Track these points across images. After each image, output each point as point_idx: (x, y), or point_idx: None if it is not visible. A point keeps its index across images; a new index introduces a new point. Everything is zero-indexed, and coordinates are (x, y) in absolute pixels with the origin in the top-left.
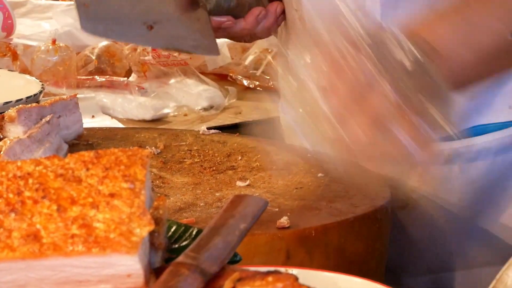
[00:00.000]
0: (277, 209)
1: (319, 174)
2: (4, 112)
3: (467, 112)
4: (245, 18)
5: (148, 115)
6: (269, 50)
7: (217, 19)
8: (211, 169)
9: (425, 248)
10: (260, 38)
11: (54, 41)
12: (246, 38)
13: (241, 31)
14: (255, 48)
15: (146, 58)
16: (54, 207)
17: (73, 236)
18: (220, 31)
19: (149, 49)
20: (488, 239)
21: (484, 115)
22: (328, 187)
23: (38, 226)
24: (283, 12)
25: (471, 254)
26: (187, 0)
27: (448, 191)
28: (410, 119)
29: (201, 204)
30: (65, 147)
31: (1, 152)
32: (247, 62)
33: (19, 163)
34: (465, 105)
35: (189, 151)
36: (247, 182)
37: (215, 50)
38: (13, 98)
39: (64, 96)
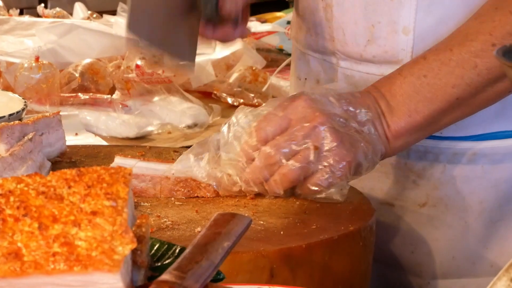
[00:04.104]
0: (261, 227)
1: None
2: None
3: (494, 115)
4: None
5: (131, 133)
6: (253, 68)
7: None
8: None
9: (440, 250)
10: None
11: (37, 58)
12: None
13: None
14: (240, 66)
15: (130, 75)
16: (36, 225)
17: (54, 254)
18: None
19: (133, 66)
20: (507, 250)
21: None
22: (312, 205)
23: (19, 244)
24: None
25: (489, 262)
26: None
27: (470, 192)
28: None
29: (185, 222)
30: (48, 164)
31: None
32: (231, 79)
33: (0, 181)
34: (492, 109)
35: None
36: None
37: (192, 61)
38: None
39: (47, 114)
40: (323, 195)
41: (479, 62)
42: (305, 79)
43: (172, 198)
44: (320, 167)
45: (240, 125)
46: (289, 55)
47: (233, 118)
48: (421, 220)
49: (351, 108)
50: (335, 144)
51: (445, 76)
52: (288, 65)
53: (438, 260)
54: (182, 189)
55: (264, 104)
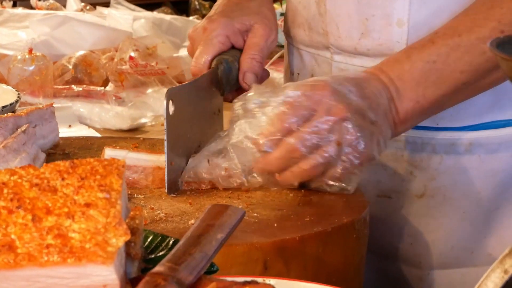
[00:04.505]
0: (254, 220)
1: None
2: None
3: (489, 105)
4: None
5: (125, 125)
6: None
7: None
8: None
9: (439, 240)
10: None
11: (30, 51)
12: None
13: None
14: None
15: (123, 67)
16: (29, 217)
17: (48, 246)
18: None
19: (127, 58)
20: (504, 238)
21: (507, 111)
22: (305, 197)
23: (13, 236)
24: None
25: (488, 251)
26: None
27: (467, 182)
28: None
29: (178, 215)
30: (42, 156)
31: None
32: None
33: None
34: (487, 99)
35: None
36: None
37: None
38: None
39: (41, 106)
40: (336, 187)
41: (488, 49)
42: (298, 74)
43: (166, 191)
44: (339, 161)
45: (255, 105)
46: (283, 46)
47: (248, 98)
48: (419, 211)
49: (367, 96)
50: (356, 139)
51: (454, 62)
52: (282, 57)
53: (437, 251)
54: None
55: (282, 87)
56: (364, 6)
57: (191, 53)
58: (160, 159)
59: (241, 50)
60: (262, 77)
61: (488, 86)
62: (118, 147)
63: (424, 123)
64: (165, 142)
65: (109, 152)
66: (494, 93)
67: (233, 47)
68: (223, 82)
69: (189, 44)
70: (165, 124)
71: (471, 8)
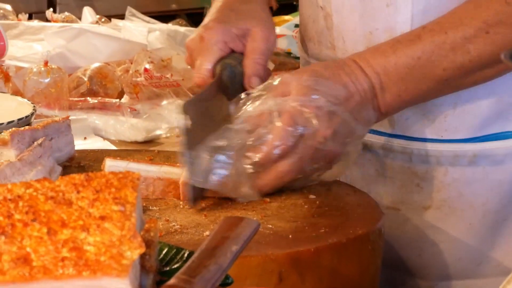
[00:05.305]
0: (269, 231)
1: (311, 196)
2: None
3: (493, 117)
4: None
5: (140, 137)
6: None
7: None
8: None
9: (446, 251)
10: None
11: (46, 63)
12: None
13: None
14: None
15: (138, 79)
16: (45, 230)
17: (63, 259)
18: None
19: (142, 70)
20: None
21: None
22: (320, 208)
23: (28, 249)
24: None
25: (495, 262)
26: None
27: (472, 193)
28: None
29: (193, 226)
30: (59, 169)
31: None
32: None
33: (9, 186)
34: (491, 110)
35: None
36: None
37: None
38: (5, 120)
39: (57, 118)
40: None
41: (472, 49)
42: None
43: (181, 203)
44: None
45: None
46: (297, 58)
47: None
48: (426, 223)
49: (357, 110)
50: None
51: (438, 59)
52: None
53: (444, 262)
54: (174, 191)
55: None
56: (367, 20)
57: (190, 63)
58: (161, 170)
59: (241, 54)
60: (264, 77)
61: (472, 84)
62: (118, 158)
63: (428, 135)
64: (184, 156)
65: (109, 163)
66: (498, 104)
67: (232, 52)
68: (229, 87)
69: (186, 54)
70: (182, 138)
71: (460, 6)
